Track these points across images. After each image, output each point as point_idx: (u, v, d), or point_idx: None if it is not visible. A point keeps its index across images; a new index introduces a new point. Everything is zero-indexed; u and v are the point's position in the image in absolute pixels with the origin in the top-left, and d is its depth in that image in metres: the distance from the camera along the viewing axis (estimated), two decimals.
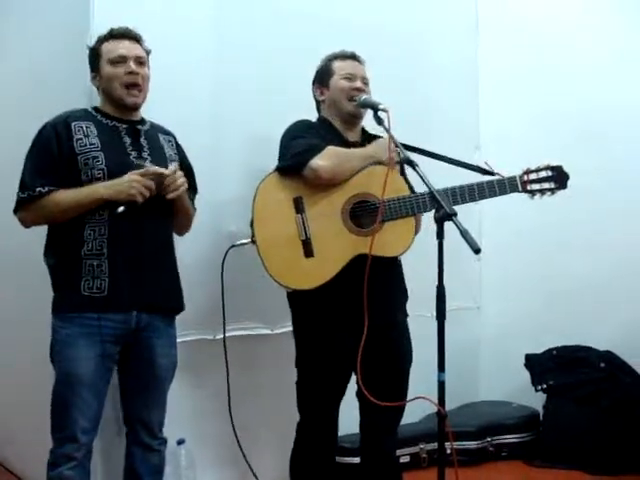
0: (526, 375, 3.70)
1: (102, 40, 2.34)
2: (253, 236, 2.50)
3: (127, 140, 2.32)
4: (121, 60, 2.30)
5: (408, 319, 2.68)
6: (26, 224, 2.30)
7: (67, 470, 2.18)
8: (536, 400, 3.72)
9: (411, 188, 2.56)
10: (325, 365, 2.53)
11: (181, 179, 2.32)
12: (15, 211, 2.28)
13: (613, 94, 3.65)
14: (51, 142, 2.23)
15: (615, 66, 3.69)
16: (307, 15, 3.18)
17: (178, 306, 2.46)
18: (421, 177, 2.24)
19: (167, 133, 2.51)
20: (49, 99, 2.79)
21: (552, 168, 2.58)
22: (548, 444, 3.56)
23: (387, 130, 2.36)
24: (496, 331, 4.01)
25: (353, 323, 2.41)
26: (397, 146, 2.37)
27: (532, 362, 3.70)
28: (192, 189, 2.54)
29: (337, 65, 2.63)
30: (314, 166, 2.43)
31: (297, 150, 2.47)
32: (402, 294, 2.67)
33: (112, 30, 2.34)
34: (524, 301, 3.91)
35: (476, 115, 4.03)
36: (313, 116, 2.72)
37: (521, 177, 2.56)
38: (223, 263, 2.68)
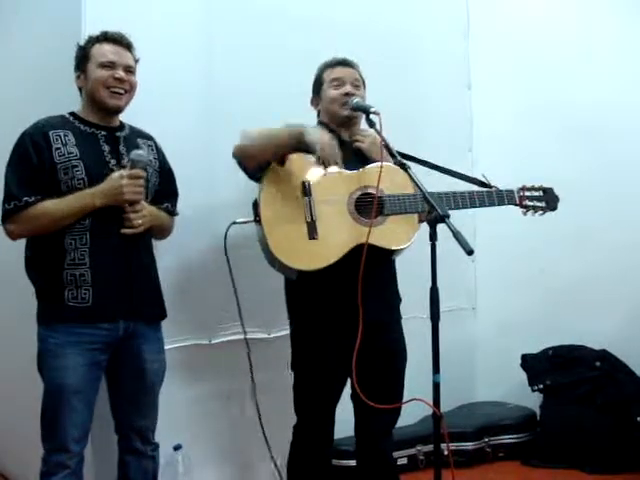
0: (522, 375, 3.70)
1: (93, 41, 2.29)
2: (257, 216, 2.48)
3: (106, 148, 2.28)
4: (110, 65, 2.27)
5: (403, 320, 2.69)
6: (13, 236, 2.24)
7: (61, 479, 2.17)
8: (533, 400, 3.72)
9: None
10: (321, 367, 2.53)
11: (140, 219, 2.27)
12: (2, 222, 2.23)
13: (605, 94, 3.67)
14: (29, 152, 2.18)
15: (608, 67, 3.71)
16: (301, 16, 3.19)
17: (161, 312, 2.43)
18: (413, 180, 2.25)
19: (147, 137, 2.46)
20: (45, 99, 2.78)
21: (544, 189, 2.71)
22: (545, 444, 3.56)
23: (379, 133, 2.37)
24: (492, 331, 4.01)
25: (348, 323, 2.41)
26: (389, 147, 2.37)
27: (528, 362, 3.71)
28: (172, 194, 2.51)
29: (326, 73, 2.64)
30: (233, 149, 2.49)
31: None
32: (396, 295, 2.68)
33: (106, 33, 2.30)
34: (519, 301, 3.91)
35: (469, 117, 4.03)
36: (308, 117, 2.71)
37: (518, 192, 2.67)
38: (225, 245, 2.66)
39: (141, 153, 2.27)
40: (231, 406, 2.94)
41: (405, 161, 2.32)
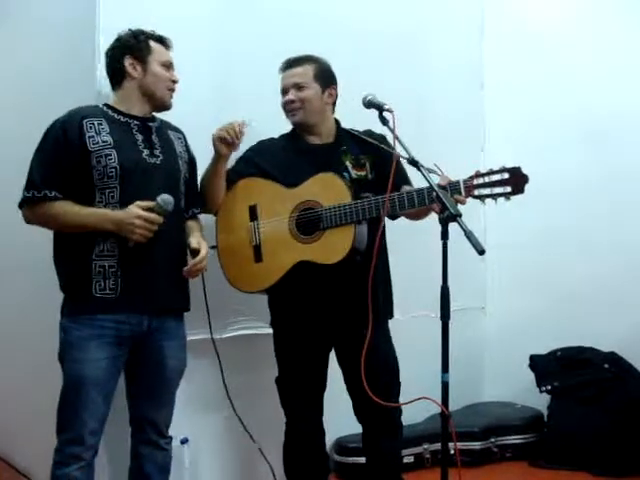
0: (530, 376, 3.70)
1: (149, 37, 2.36)
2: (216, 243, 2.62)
3: (139, 137, 2.31)
4: (170, 66, 2.38)
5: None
6: (27, 221, 2.28)
7: (75, 471, 2.18)
8: (540, 401, 3.71)
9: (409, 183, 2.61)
10: (299, 360, 2.61)
11: (203, 263, 2.36)
12: (20, 206, 2.25)
13: (617, 95, 3.65)
14: (59, 143, 2.20)
15: (618, 68, 3.69)
16: (309, 16, 3.18)
17: (186, 305, 2.45)
18: (425, 178, 2.24)
19: (176, 130, 2.50)
20: (55, 98, 2.79)
21: (508, 170, 2.33)
22: (552, 445, 3.55)
23: (392, 130, 2.36)
24: (500, 332, 4.01)
25: (320, 326, 2.53)
26: (401, 145, 2.36)
27: (536, 363, 3.70)
28: (196, 189, 2.54)
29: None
30: None
31: None
32: (374, 300, 2.44)
33: (161, 36, 2.39)
34: (529, 302, 3.91)
35: (481, 117, 4.03)
36: None
37: (466, 181, 2.35)
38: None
39: (169, 200, 2.24)
40: (238, 400, 2.94)
41: (417, 159, 2.31)
